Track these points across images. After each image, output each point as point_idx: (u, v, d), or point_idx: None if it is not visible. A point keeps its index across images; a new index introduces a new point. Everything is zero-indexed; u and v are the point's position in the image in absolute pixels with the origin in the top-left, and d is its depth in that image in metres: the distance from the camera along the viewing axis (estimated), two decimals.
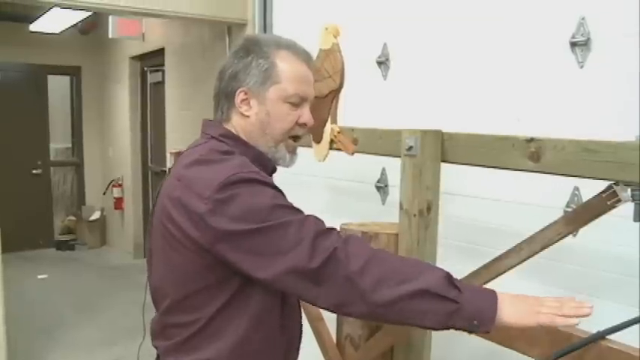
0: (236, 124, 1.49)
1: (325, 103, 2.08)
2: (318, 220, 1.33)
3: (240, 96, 1.46)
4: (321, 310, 2.13)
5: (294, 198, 3.61)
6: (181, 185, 1.34)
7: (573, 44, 2.31)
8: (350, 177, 3.35)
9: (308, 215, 1.34)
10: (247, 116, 1.47)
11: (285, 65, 1.46)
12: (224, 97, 1.49)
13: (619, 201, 1.38)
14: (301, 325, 1.64)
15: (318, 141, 2.14)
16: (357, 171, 3.24)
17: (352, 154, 2.02)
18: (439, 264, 1.77)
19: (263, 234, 1.26)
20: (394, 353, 1.86)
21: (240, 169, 1.32)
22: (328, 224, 2.05)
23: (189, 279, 1.36)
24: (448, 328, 1.24)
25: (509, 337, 1.38)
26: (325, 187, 3.57)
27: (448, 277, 1.25)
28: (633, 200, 1.36)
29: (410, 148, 1.67)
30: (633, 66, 2.18)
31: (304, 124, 1.52)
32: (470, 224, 2.74)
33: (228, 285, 1.36)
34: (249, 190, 1.29)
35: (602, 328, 1.26)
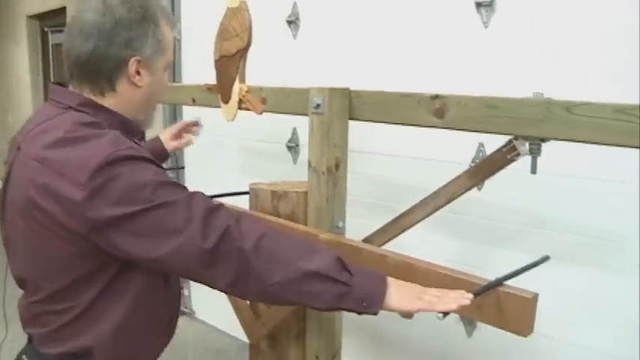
0: (122, 94, 1.37)
1: (233, 62, 2.04)
2: (206, 197, 1.28)
3: (134, 65, 1.34)
4: None
5: (205, 160, 3.58)
6: (47, 170, 1.21)
7: (478, 5, 2.37)
8: (261, 137, 3.33)
9: (195, 192, 1.28)
10: (139, 86, 1.38)
11: (167, 34, 1.41)
12: (110, 64, 1.33)
13: (518, 155, 1.44)
14: (180, 292, 1.62)
15: (227, 101, 2.10)
16: (268, 131, 3.23)
17: (261, 113, 2.00)
18: (348, 221, 1.80)
19: (149, 215, 1.19)
20: (307, 309, 1.89)
21: (115, 147, 1.21)
22: (240, 186, 2.04)
23: (64, 269, 1.28)
24: (338, 309, 1.27)
25: None
26: (236, 148, 3.54)
27: (340, 259, 1.26)
28: (531, 154, 1.42)
29: (317, 106, 1.67)
30: (534, 26, 2.26)
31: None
32: (378, 181, 2.79)
33: (107, 270, 1.29)
34: (129, 169, 1.20)
35: (500, 275, 1.32)
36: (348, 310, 1.25)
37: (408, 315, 1.29)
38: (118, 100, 1.37)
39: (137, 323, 1.37)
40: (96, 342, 1.33)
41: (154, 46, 1.36)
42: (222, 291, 1.28)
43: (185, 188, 1.28)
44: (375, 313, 1.25)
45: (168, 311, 1.50)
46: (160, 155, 2.16)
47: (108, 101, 1.36)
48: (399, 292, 1.25)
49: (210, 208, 1.24)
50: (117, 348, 1.36)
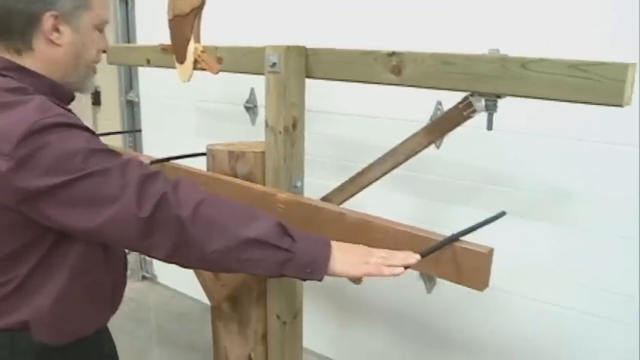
0: (42, 55, 1.27)
1: (187, 21, 1.98)
2: (141, 164, 1.22)
3: (49, 21, 1.24)
4: None
5: (161, 122, 3.52)
6: None
7: None
8: (219, 98, 3.28)
9: (130, 159, 1.22)
10: (59, 45, 1.27)
11: None
12: (21, 20, 1.23)
13: (474, 111, 1.44)
14: (126, 262, 1.58)
15: (182, 61, 2.06)
16: (226, 92, 3.18)
17: (217, 73, 1.96)
18: (306, 180, 1.79)
19: (81, 184, 1.12)
20: None
21: (42, 114, 1.13)
22: (198, 148, 2.01)
23: None
24: (281, 276, 1.24)
25: (375, 247, 1.43)
26: (194, 110, 3.49)
27: (281, 225, 1.22)
28: (487, 110, 1.42)
29: (274, 64, 1.64)
30: None
31: (104, 51, 1.40)
32: (337, 141, 2.79)
33: (42, 243, 1.24)
34: (58, 137, 1.13)
35: (457, 231, 1.33)
36: (291, 277, 1.23)
37: (356, 280, 1.28)
38: (39, 60, 1.28)
39: (76, 296, 1.32)
40: (33, 316, 1.29)
41: (75, 1, 1.27)
42: (162, 260, 1.22)
43: (119, 154, 1.22)
44: (320, 279, 1.22)
45: (110, 282, 1.44)
46: None
47: (28, 61, 1.27)
48: (344, 257, 1.23)
49: (146, 174, 1.18)
50: (55, 322, 1.31)
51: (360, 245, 1.29)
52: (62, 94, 1.32)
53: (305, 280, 1.24)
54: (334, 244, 1.25)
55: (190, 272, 2.06)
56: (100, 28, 1.35)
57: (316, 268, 1.21)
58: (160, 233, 1.16)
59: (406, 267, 1.20)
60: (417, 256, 1.22)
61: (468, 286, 1.30)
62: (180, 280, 3.89)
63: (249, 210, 1.27)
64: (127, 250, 1.49)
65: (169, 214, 1.16)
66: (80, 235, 1.21)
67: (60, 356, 1.37)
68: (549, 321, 2.40)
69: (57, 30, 1.26)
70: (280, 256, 1.20)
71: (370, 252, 1.25)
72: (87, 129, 1.21)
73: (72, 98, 1.39)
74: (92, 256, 1.34)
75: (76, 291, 1.32)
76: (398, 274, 1.18)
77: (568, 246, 2.30)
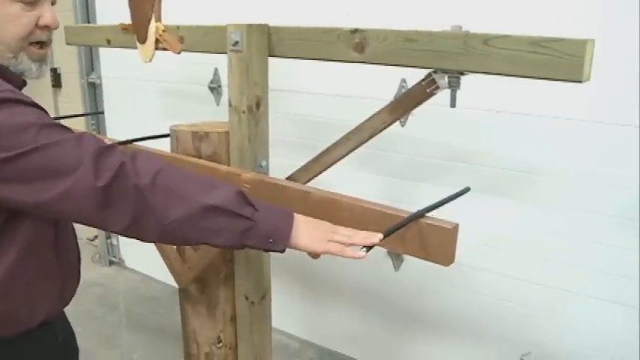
0: None
1: (148, 0, 1.95)
2: (97, 137, 1.16)
3: None
4: None
5: (124, 104, 3.46)
6: None
7: None
8: (182, 79, 3.24)
9: (84, 132, 1.16)
10: None
11: None
12: None
13: (437, 88, 1.44)
14: (78, 249, 1.53)
15: (143, 41, 2.02)
16: (189, 73, 3.14)
17: (179, 52, 1.93)
18: (271, 160, 1.78)
19: (34, 157, 1.07)
20: (234, 251, 1.88)
21: None
22: (162, 129, 1.98)
23: None
24: (243, 247, 1.20)
25: (342, 224, 1.43)
26: (157, 91, 3.44)
27: (241, 193, 1.20)
28: (450, 87, 1.42)
29: (236, 43, 1.61)
30: None
31: (46, 27, 1.26)
32: (301, 120, 2.78)
33: None
34: (7, 112, 1.08)
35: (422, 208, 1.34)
36: (253, 247, 1.20)
37: (314, 255, 1.28)
38: None
39: (25, 276, 1.28)
40: None
41: None
42: (120, 233, 1.17)
43: (72, 130, 1.17)
44: (282, 251, 1.21)
45: (60, 272, 1.39)
46: None
47: None
48: (307, 230, 1.21)
49: (103, 147, 1.13)
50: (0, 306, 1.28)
51: (325, 221, 1.27)
52: (11, 77, 1.24)
53: (267, 250, 1.22)
54: (298, 216, 1.23)
55: (159, 256, 2.05)
56: (23, 1, 1.21)
57: (278, 238, 1.19)
58: (117, 204, 1.11)
59: (369, 247, 1.19)
60: (380, 235, 1.20)
61: (434, 262, 1.31)
62: (149, 264, 3.86)
63: (209, 179, 1.24)
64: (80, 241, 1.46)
65: (127, 184, 1.11)
66: (31, 210, 1.15)
67: (8, 349, 1.34)
68: (515, 295, 2.45)
69: None
70: (241, 225, 1.16)
71: (334, 229, 1.24)
72: (37, 106, 1.17)
73: (23, 82, 1.31)
74: (42, 236, 1.30)
75: (23, 273, 1.27)
76: (359, 258, 1.17)
77: (533, 221, 2.34)
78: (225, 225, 1.16)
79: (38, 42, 1.27)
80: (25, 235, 1.25)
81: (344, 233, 1.22)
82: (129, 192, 1.11)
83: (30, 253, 1.27)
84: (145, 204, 1.12)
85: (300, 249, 1.22)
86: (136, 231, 1.16)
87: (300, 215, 1.25)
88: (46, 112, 1.19)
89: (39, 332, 1.38)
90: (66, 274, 1.42)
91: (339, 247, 1.19)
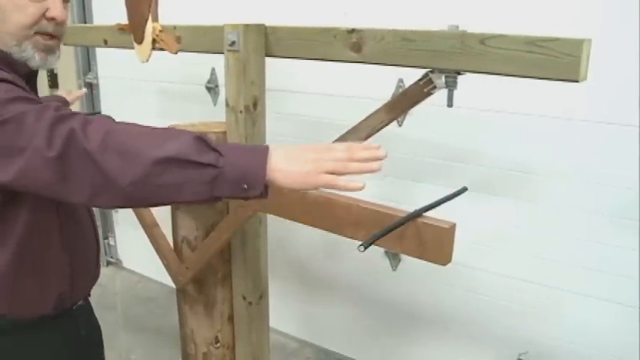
0: None
1: (144, 0, 1.95)
2: (59, 107, 1.10)
3: None
4: (155, 216, 2.09)
5: (121, 104, 3.45)
6: None
7: None
8: (179, 79, 3.24)
9: (49, 105, 1.10)
10: None
11: None
12: None
13: (434, 88, 1.44)
14: (97, 240, 1.55)
15: (140, 41, 2.02)
16: (186, 72, 3.14)
17: (176, 53, 1.93)
18: None
19: None
20: (232, 250, 1.89)
21: None
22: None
23: None
24: (216, 199, 1.08)
25: (338, 224, 1.44)
26: (154, 91, 3.43)
27: (200, 139, 1.06)
28: (447, 87, 1.43)
29: (233, 43, 1.61)
30: None
31: (53, 19, 1.26)
32: (299, 120, 2.78)
33: None
34: None
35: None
36: (228, 197, 1.08)
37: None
38: None
39: (25, 269, 1.30)
40: None
41: None
42: (87, 204, 1.13)
43: (40, 102, 1.12)
44: (262, 195, 1.06)
45: (71, 256, 1.41)
46: None
47: None
48: (288, 165, 1.05)
49: (59, 115, 1.06)
50: (6, 291, 1.31)
51: (313, 145, 1.09)
52: (15, 65, 1.25)
53: (246, 198, 1.08)
54: (276, 150, 1.06)
55: (156, 256, 2.05)
56: None
57: (252, 181, 1.04)
58: (73, 172, 1.05)
59: (366, 246, 1.17)
60: (381, 153, 1.07)
61: (432, 262, 1.31)
62: (146, 265, 3.86)
63: (165, 131, 1.12)
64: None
65: (78, 150, 1.04)
66: (3, 189, 1.13)
67: (28, 335, 1.37)
68: (513, 295, 2.45)
69: None
70: (205, 174, 1.03)
71: (322, 154, 1.06)
72: (7, 80, 1.14)
73: (32, 71, 1.32)
74: (44, 226, 1.31)
75: (22, 266, 1.29)
76: (354, 189, 1.04)
77: (530, 221, 2.34)
78: (187, 177, 1.03)
79: (44, 33, 1.27)
80: (24, 225, 1.26)
81: (338, 156, 1.05)
82: (81, 158, 1.04)
83: (28, 245, 1.28)
84: (99, 169, 1.04)
85: (283, 188, 1.06)
86: (99, 200, 1.08)
87: (281, 147, 1.08)
88: (18, 86, 1.17)
89: (59, 321, 1.41)
90: (74, 260, 1.43)
91: (331, 179, 1.04)
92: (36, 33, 1.25)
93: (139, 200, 1.09)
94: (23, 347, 1.38)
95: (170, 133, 1.10)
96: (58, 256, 1.38)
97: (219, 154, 1.04)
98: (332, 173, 1.04)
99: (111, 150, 1.03)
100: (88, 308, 1.59)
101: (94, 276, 1.56)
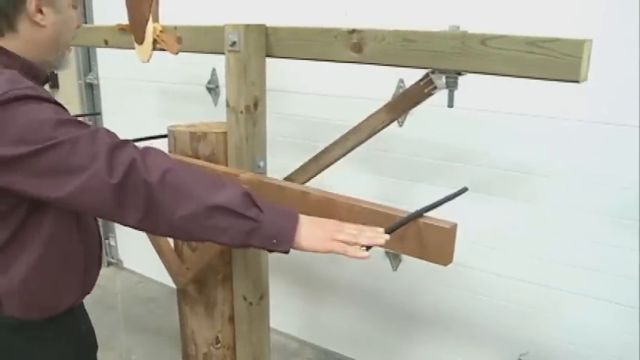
0: (25, 36, 1.28)
1: (145, 0, 1.95)
2: (110, 133, 1.22)
3: (33, 3, 1.25)
4: None
5: (122, 105, 3.44)
6: None
7: None
8: (180, 79, 3.24)
9: (99, 128, 1.21)
10: (43, 26, 1.29)
11: None
12: (5, 2, 1.24)
13: (435, 88, 1.44)
14: (100, 235, 1.58)
15: (141, 41, 2.02)
16: (187, 73, 3.14)
17: (177, 53, 1.93)
18: (269, 160, 1.79)
19: (51, 153, 1.12)
20: (232, 250, 1.88)
21: (12, 85, 1.15)
22: (160, 130, 1.98)
23: None
24: (247, 246, 1.24)
25: None
26: (155, 92, 3.43)
27: (248, 194, 1.23)
28: (448, 87, 1.43)
29: (233, 43, 1.62)
30: None
31: (78, 27, 1.43)
32: (299, 120, 2.78)
33: (15, 214, 1.25)
34: (27, 108, 1.13)
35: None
36: (257, 247, 1.24)
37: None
38: (21, 41, 1.28)
39: (48, 269, 1.34)
40: (6, 289, 1.30)
41: None
42: (134, 227, 1.23)
43: (88, 125, 1.21)
44: (286, 252, 1.24)
45: (82, 257, 1.45)
46: None
47: (10, 43, 1.28)
48: (311, 231, 1.23)
49: (115, 143, 1.19)
50: (27, 294, 1.33)
51: (332, 220, 1.29)
52: (38, 73, 1.33)
53: (271, 251, 1.25)
54: (303, 217, 1.25)
55: (156, 257, 2.05)
56: (74, 5, 1.36)
57: (282, 239, 1.22)
58: (130, 199, 1.16)
59: (369, 246, 1.20)
60: (386, 237, 1.22)
61: (433, 262, 1.31)
62: (147, 265, 3.86)
63: (216, 178, 1.27)
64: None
65: (138, 179, 1.16)
66: (54, 204, 1.21)
67: (34, 333, 1.39)
68: (513, 295, 2.45)
69: (40, 11, 1.27)
70: (246, 225, 1.20)
71: (339, 227, 1.25)
72: (56, 102, 1.21)
73: (47, 79, 1.40)
74: (65, 228, 1.35)
75: (48, 264, 1.33)
76: (362, 258, 1.19)
77: (529, 221, 2.34)
78: (230, 224, 1.19)
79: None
80: (49, 226, 1.31)
81: (349, 232, 1.23)
82: (140, 187, 1.16)
83: (54, 244, 1.33)
84: (154, 200, 1.17)
85: (303, 250, 1.24)
86: (148, 225, 1.21)
87: (305, 216, 1.26)
88: (62, 106, 1.24)
89: (62, 319, 1.44)
90: (88, 262, 1.47)
91: (343, 247, 1.20)
92: None
93: (183, 233, 1.24)
94: (31, 345, 1.40)
95: (222, 181, 1.26)
96: (77, 256, 1.43)
97: (259, 210, 1.21)
98: (343, 242, 1.21)
99: (169, 186, 1.18)
100: (83, 307, 1.61)
101: (98, 273, 1.58)
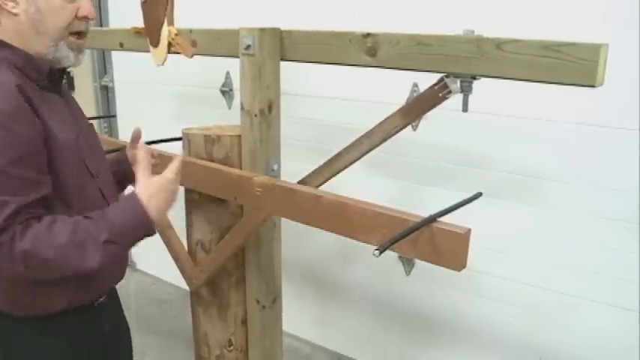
0: (7, 27, 1.27)
1: (160, 3, 1.96)
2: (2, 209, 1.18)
3: None
4: (169, 217, 2.09)
5: (137, 107, 3.45)
6: None
7: None
8: (194, 82, 3.25)
9: (8, 200, 1.18)
10: (16, 14, 1.26)
11: None
12: None
13: (449, 92, 1.44)
14: None
15: (156, 44, 2.03)
16: (201, 76, 3.15)
17: (191, 56, 1.94)
18: (283, 163, 1.79)
19: None
20: (246, 253, 1.89)
21: None
22: (174, 133, 1.97)
23: None
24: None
25: (352, 229, 1.43)
26: (170, 95, 3.45)
27: (107, 242, 1.24)
28: (462, 91, 1.42)
29: (248, 47, 1.62)
30: None
31: (85, 17, 1.33)
32: (314, 124, 2.78)
33: None
34: None
35: (434, 212, 1.34)
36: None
37: None
38: (7, 32, 1.28)
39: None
40: None
41: None
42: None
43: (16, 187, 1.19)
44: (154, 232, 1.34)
45: None
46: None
47: (3, 35, 1.28)
48: (155, 200, 1.32)
49: None
50: (10, 295, 1.36)
51: (157, 182, 1.36)
52: (40, 66, 1.31)
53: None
54: (142, 195, 1.31)
55: (170, 259, 2.06)
56: None
57: (145, 233, 1.32)
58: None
59: (382, 251, 1.19)
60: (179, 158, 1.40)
61: (446, 267, 1.31)
62: (160, 267, 3.87)
63: (74, 240, 1.23)
64: None
65: (5, 266, 1.19)
66: None
67: (32, 329, 1.40)
68: (525, 300, 2.43)
69: (13, 0, 1.25)
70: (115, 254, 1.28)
71: (162, 186, 1.35)
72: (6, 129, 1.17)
73: (60, 70, 1.38)
74: None
75: None
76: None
77: (543, 226, 2.32)
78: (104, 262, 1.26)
79: (77, 32, 1.34)
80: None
81: (171, 179, 1.37)
82: (6, 269, 1.20)
83: None
84: (24, 276, 1.25)
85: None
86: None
87: (144, 189, 1.34)
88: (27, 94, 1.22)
89: (79, 315, 1.44)
90: None
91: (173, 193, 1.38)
92: (69, 33, 1.32)
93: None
94: (39, 336, 1.41)
95: (80, 238, 1.23)
96: None
97: (115, 243, 1.27)
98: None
99: (33, 269, 1.20)
100: (114, 307, 1.63)
101: (113, 276, 1.58)
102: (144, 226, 1.30)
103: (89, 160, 1.39)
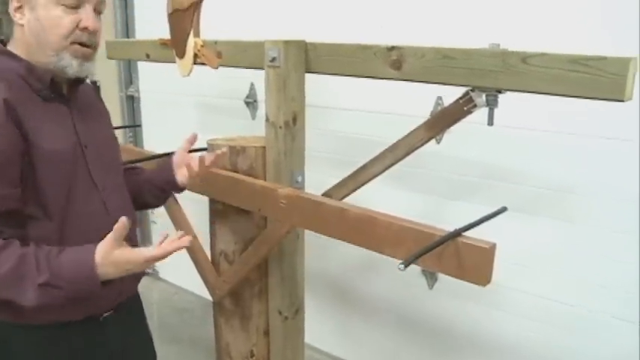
0: (19, 38, 1.31)
1: (187, 15, 1.98)
2: None
3: (13, 3, 1.27)
4: (193, 226, 2.11)
5: (162, 117, 3.48)
6: None
7: None
8: (219, 93, 3.27)
9: None
10: (22, 25, 1.29)
11: None
12: (3, 7, 1.29)
13: (475, 106, 1.44)
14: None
15: (182, 56, 2.05)
16: (225, 87, 3.17)
17: (217, 67, 1.96)
18: (308, 176, 1.79)
19: None
20: (269, 265, 1.89)
21: None
22: (199, 143, 1.98)
23: None
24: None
25: (378, 242, 1.43)
26: (194, 105, 3.48)
27: (45, 285, 1.22)
28: (488, 105, 1.42)
29: (273, 59, 1.63)
30: None
31: (85, 29, 1.32)
32: (338, 136, 2.78)
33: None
34: None
35: (459, 226, 1.33)
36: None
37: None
38: (18, 44, 1.31)
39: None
40: None
41: None
42: None
43: None
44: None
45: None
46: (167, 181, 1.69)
47: (14, 46, 1.31)
48: (108, 273, 1.26)
49: None
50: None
51: (124, 256, 1.26)
52: (42, 76, 1.31)
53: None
54: (97, 270, 1.24)
55: (193, 268, 2.07)
56: (65, 4, 1.29)
57: (93, 286, 1.24)
58: None
59: (407, 264, 1.18)
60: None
61: (471, 282, 1.30)
62: (183, 276, 3.89)
63: (14, 274, 1.23)
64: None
65: None
66: None
67: (30, 338, 1.39)
68: (551, 317, 2.40)
69: (21, 11, 1.28)
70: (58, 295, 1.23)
71: (129, 262, 1.26)
72: None
73: (52, 81, 1.34)
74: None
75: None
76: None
77: (569, 241, 2.29)
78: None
79: (80, 43, 1.33)
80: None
81: (140, 261, 1.27)
82: None
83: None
84: None
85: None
86: None
87: (106, 260, 1.25)
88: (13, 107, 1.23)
89: (83, 327, 1.42)
90: None
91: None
92: (72, 43, 1.31)
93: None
94: (39, 345, 1.40)
95: (20, 274, 1.22)
96: None
97: (60, 288, 1.23)
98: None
99: None
100: (127, 321, 1.59)
101: (120, 289, 1.50)
102: (87, 287, 1.25)
103: (95, 172, 1.38)
